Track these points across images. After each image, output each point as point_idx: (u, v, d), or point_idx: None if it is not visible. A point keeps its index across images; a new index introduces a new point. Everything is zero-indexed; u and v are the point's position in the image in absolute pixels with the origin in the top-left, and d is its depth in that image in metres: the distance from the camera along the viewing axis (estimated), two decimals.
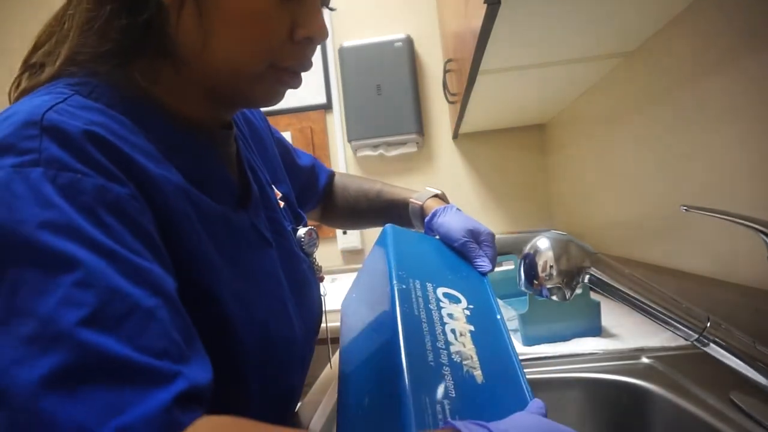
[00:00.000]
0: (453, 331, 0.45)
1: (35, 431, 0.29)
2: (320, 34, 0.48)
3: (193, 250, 0.43)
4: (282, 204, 0.64)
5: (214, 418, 0.33)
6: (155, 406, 0.30)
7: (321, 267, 0.67)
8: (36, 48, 0.47)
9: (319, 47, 1.92)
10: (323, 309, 0.66)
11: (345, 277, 1.74)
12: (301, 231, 0.64)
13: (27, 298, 0.31)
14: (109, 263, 0.34)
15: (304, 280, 0.61)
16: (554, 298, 0.49)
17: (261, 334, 0.48)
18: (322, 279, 0.67)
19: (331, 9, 0.53)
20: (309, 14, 0.47)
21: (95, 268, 0.33)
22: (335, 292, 0.78)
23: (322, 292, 0.67)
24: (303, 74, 0.52)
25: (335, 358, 0.79)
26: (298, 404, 0.70)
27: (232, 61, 0.46)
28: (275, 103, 0.52)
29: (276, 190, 0.64)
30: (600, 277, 0.49)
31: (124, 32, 0.44)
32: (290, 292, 0.56)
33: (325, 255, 1.91)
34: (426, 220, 0.67)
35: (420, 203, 0.73)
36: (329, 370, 0.86)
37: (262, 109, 0.72)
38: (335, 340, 0.67)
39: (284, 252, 0.58)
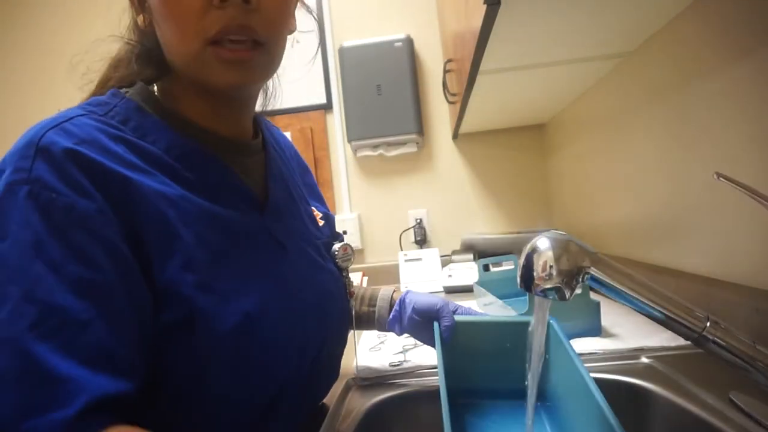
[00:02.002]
0: None
1: None
2: None
3: (165, 247, 0.47)
4: (322, 222, 0.69)
5: (120, 428, 0.39)
6: (63, 415, 0.36)
7: (352, 282, 0.71)
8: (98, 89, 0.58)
9: (319, 47, 1.92)
10: (351, 321, 0.70)
11: None
12: (336, 246, 0.69)
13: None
14: (59, 279, 0.40)
15: (323, 289, 0.63)
16: (554, 298, 0.49)
17: (239, 326, 0.49)
18: (351, 294, 0.70)
19: None
20: None
21: (44, 284, 0.40)
22: None
23: (351, 307, 0.70)
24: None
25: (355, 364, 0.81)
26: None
27: (175, 48, 0.51)
28: (239, 84, 0.52)
29: (316, 210, 0.70)
30: (600, 277, 0.49)
31: (136, 56, 0.54)
32: (301, 295, 0.58)
33: None
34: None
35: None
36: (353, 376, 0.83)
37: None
38: None
39: (303, 259, 0.61)
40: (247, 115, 0.61)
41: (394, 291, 0.77)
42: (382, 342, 0.96)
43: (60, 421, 0.36)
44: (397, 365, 0.81)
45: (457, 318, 0.67)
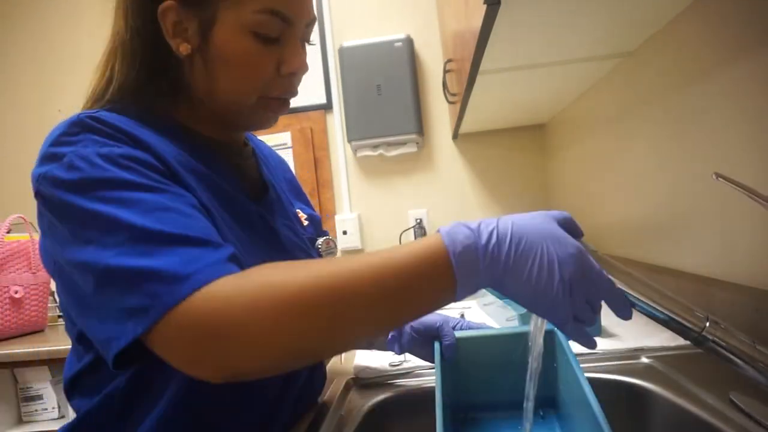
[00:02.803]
0: None
1: (148, 278, 0.43)
2: (302, 69, 0.59)
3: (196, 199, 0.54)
4: (306, 223, 0.76)
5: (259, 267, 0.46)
6: (217, 258, 0.45)
7: None
8: (94, 94, 0.62)
9: (319, 47, 1.92)
10: None
11: None
12: (320, 240, 0.75)
13: (115, 220, 0.46)
14: (154, 193, 0.48)
15: None
16: None
17: None
18: None
19: (312, 44, 0.65)
20: (291, 53, 0.58)
21: (145, 198, 0.48)
22: None
23: None
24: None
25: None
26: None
27: (231, 97, 0.59)
28: (270, 126, 0.65)
29: (301, 213, 0.76)
30: None
31: (145, 78, 0.59)
32: None
33: None
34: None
35: None
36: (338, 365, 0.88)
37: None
38: None
39: (294, 249, 0.67)
40: (244, 133, 0.71)
41: None
42: None
43: (213, 262, 0.45)
44: (397, 365, 0.81)
45: (458, 334, 0.67)
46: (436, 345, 0.65)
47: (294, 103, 0.65)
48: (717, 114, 0.74)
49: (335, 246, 0.76)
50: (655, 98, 0.93)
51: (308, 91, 1.95)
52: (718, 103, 0.73)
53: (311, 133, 1.96)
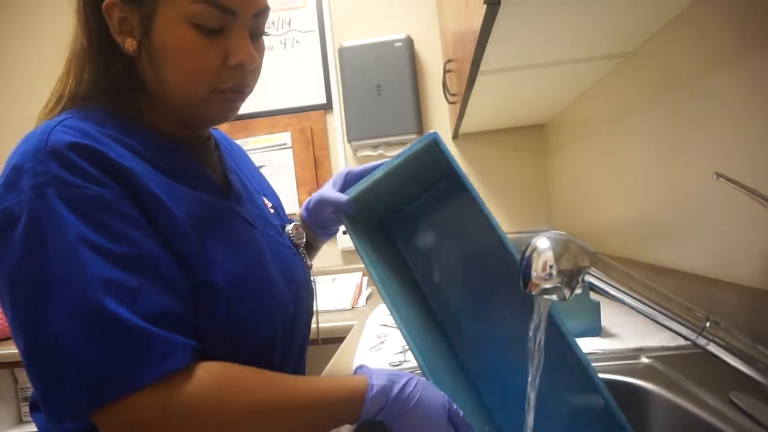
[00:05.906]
0: None
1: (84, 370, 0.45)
2: (249, 60, 0.58)
3: (163, 222, 0.54)
4: (273, 211, 0.77)
5: (207, 364, 0.49)
6: (159, 355, 0.46)
7: (308, 257, 0.79)
8: (55, 97, 0.62)
9: (319, 47, 1.93)
10: (314, 295, 0.77)
11: (345, 277, 1.74)
12: (289, 227, 0.76)
13: (59, 284, 0.46)
14: (103, 259, 0.47)
15: (287, 262, 0.70)
16: (553, 298, 0.49)
17: (234, 280, 0.57)
18: (309, 267, 0.77)
19: (266, 35, 0.64)
20: (238, 45, 0.58)
21: (93, 265, 0.47)
22: (335, 292, 0.80)
23: (313, 282, 0.78)
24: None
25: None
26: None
27: (181, 91, 0.59)
28: (229, 120, 0.64)
29: (266, 201, 0.77)
30: (600, 277, 0.49)
31: (106, 78, 0.60)
32: (272, 264, 0.65)
33: (325, 255, 1.91)
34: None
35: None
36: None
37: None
38: (328, 341, 0.76)
39: (268, 236, 0.69)
40: (208, 128, 0.72)
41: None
42: (382, 342, 0.96)
43: (150, 363, 0.45)
44: (397, 365, 0.81)
45: (352, 190, 0.70)
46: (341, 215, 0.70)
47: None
48: (717, 114, 0.74)
49: (303, 231, 0.78)
50: (655, 98, 0.93)
51: (308, 91, 1.95)
52: (718, 103, 0.73)
53: (311, 133, 1.96)
